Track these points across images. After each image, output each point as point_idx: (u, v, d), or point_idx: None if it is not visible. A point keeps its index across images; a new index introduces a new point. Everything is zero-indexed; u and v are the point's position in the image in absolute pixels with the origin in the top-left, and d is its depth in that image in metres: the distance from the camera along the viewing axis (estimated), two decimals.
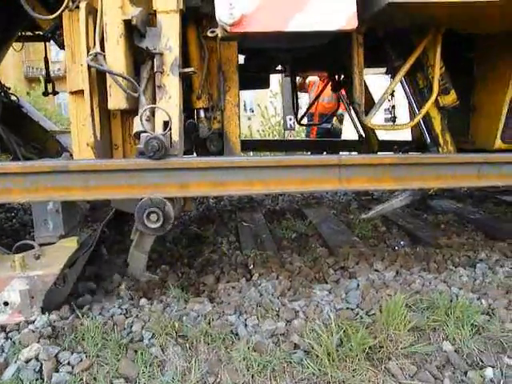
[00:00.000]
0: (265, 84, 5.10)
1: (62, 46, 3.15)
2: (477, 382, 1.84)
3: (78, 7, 2.41)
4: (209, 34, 2.32)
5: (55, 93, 4.27)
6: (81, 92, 2.47)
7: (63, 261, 2.56)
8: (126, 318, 2.28)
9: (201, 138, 2.83)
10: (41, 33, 4.12)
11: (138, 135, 2.28)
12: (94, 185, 2.20)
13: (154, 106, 2.15)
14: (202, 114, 2.76)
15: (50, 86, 4.24)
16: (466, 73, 3.62)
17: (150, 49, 2.25)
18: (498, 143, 3.42)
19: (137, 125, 2.28)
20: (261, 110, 12.31)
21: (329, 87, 6.11)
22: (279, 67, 5.10)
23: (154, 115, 2.29)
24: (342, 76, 4.58)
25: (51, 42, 3.90)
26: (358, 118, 2.90)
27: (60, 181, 2.19)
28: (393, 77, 3.95)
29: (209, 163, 2.29)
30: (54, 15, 2.36)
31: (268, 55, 4.24)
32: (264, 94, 11.91)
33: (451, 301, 2.36)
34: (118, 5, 2.23)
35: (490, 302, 2.42)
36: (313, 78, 7.12)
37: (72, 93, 2.53)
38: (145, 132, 2.15)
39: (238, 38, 2.30)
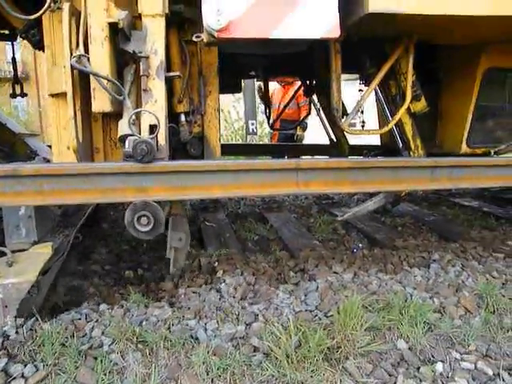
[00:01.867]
0: (236, 89, 5.15)
1: (36, 46, 3.09)
2: (428, 377, 1.95)
3: (59, 8, 2.38)
4: (194, 39, 2.34)
5: (23, 95, 4.14)
6: (62, 94, 2.43)
7: (38, 268, 2.50)
8: (87, 322, 2.26)
9: (181, 143, 2.83)
10: (5, 32, 4.01)
11: (122, 139, 2.27)
12: (75, 188, 2.16)
13: (143, 109, 2.15)
14: (182, 118, 2.76)
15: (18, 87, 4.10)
16: (433, 80, 3.80)
17: (135, 52, 2.24)
18: (464, 148, 3.61)
19: (122, 128, 2.27)
20: (224, 114, 12.33)
21: (290, 94, 6.23)
22: (251, 72, 5.15)
23: (138, 119, 2.28)
24: (314, 81, 4.68)
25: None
26: (336, 123, 2.97)
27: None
28: (365, 84, 4.11)
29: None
30: (34, 15, 2.31)
31: (241, 60, 4.29)
32: (227, 98, 11.93)
33: (406, 300, 2.49)
34: (103, 7, 2.21)
35: (442, 300, 2.57)
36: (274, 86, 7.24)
37: (52, 95, 2.48)
38: (132, 135, 2.14)
39: (223, 44, 2.32)
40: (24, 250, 2.77)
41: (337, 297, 2.55)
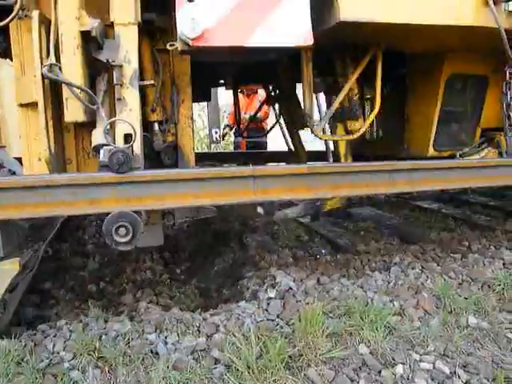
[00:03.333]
0: (206, 97, 5.15)
1: (2, 55, 3.00)
2: (389, 380, 1.99)
3: (27, 16, 2.33)
4: (168, 47, 2.33)
5: None
6: (32, 104, 2.37)
7: (3, 286, 2.42)
8: (45, 337, 2.20)
9: (154, 152, 2.80)
10: None
11: (96, 148, 2.23)
12: (50, 201, 2.10)
13: (119, 118, 2.12)
14: (156, 127, 2.73)
15: None
16: (400, 86, 3.91)
17: (109, 61, 2.21)
18: (431, 151, 3.73)
19: (96, 138, 2.23)
20: None
21: (255, 102, 6.26)
22: (221, 81, 5.17)
23: (112, 128, 2.25)
24: (277, 90, 4.74)
25: None
26: (310, 130, 3.02)
27: None
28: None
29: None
30: (1, 23, 2.24)
31: (212, 69, 4.30)
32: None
33: (367, 305, 2.54)
34: (74, 15, 2.17)
35: (402, 303, 2.63)
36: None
37: (22, 105, 2.41)
38: (106, 145, 2.10)
39: (197, 52, 2.32)
40: None
41: (299, 304, 2.56)
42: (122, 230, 1.95)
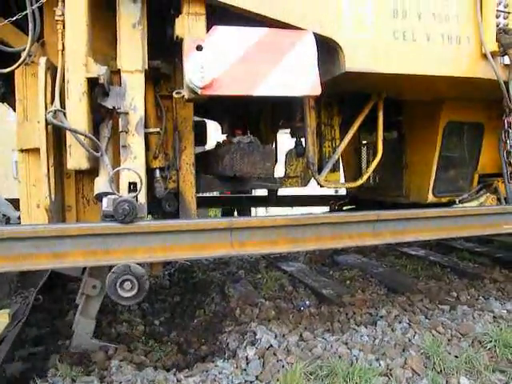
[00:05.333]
0: (202, 142, 5.13)
1: (0, 99, 2.98)
2: None
3: (33, 62, 2.31)
4: (174, 95, 2.31)
5: None
6: (33, 150, 2.32)
7: None
8: None
9: (156, 199, 2.74)
10: None
11: (99, 197, 2.17)
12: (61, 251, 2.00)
13: (126, 167, 2.06)
14: (157, 173, 2.68)
15: None
16: (398, 133, 3.96)
17: (115, 108, 2.18)
18: (430, 197, 3.73)
19: (99, 186, 2.17)
20: None
21: None
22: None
23: (116, 176, 2.19)
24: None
25: None
26: (313, 177, 3.00)
27: None
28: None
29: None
30: (9, 69, 2.22)
31: (209, 113, 4.32)
32: None
33: (351, 364, 2.42)
34: (81, 62, 2.15)
35: (388, 362, 2.52)
36: None
37: (23, 151, 2.35)
38: (111, 194, 2.04)
39: (204, 100, 2.31)
40: None
41: (279, 364, 2.44)
42: (127, 284, 1.86)
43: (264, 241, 2.35)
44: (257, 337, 2.77)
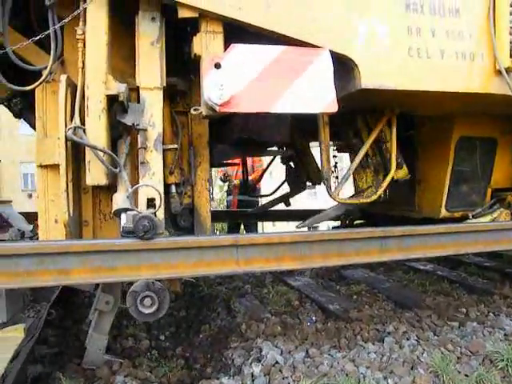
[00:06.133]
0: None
1: (17, 115, 3.02)
2: None
3: (53, 79, 2.35)
4: (192, 112, 2.34)
5: None
6: (52, 166, 2.35)
7: (7, 356, 2.28)
8: None
9: (171, 214, 2.76)
10: None
11: (117, 213, 2.18)
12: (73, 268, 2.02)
13: (145, 184, 2.08)
14: (173, 189, 2.70)
15: None
16: (410, 148, 3.95)
17: (134, 124, 2.21)
18: (443, 212, 3.71)
19: (117, 202, 2.19)
20: None
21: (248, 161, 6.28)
22: None
23: (135, 192, 2.21)
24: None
25: None
26: (328, 192, 3.00)
27: None
28: (338, 150, 4.26)
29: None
30: (31, 87, 2.26)
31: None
32: None
33: (359, 382, 2.38)
34: (101, 80, 2.19)
35: (396, 380, 2.46)
36: None
37: (42, 166, 2.38)
38: (130, 210, 2.05)
39: (220, 117, 2.33)
40: None
41: (285, 381, 2.41)
42: (148, 301, 1.86)
43: (270, 258, 2.35)
44: (263, 353, 2.74)
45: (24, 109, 2.99)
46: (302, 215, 5.88)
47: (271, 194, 5.35)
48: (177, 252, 2.14)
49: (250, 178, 6.28)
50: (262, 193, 6.80)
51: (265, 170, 5.72)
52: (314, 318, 3.57)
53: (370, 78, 2.48)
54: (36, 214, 4.29)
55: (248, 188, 6.29)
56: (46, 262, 1.98)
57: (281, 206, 6.98)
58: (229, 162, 5.55)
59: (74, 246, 2.04)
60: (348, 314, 3.57)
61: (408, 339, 2.97)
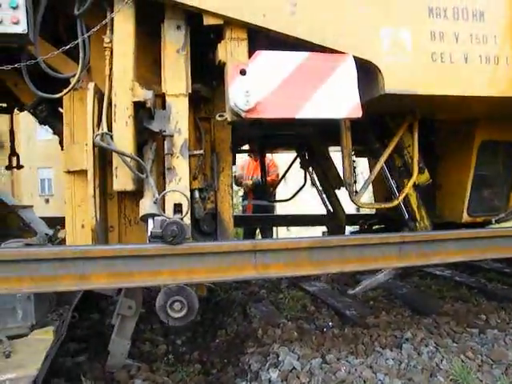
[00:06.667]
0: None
1: (42, 121, 3.07)
2: None
3: (80, 87, 2.39)
4: (218, 118, 2.36)
5: (20, 167, 4.06)
6: (79, 172, 2.39)
7: (40, 358, 2.28)
8: None
9: (194, 219, 2.77)
10: (3, 105, 3.99)
11: (144, 218, 2.21)
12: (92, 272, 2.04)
13: (173, 189, 2.10)
14: (196, 194, 2.72)
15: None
16: (430, 153, 3.93)
17: (161, 131, 2.24)
18: (465, 217, 3.67)
19: (144, 207, 2.21)
20: None
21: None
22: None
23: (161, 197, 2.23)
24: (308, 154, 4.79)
25: None
26: (350, 198, 3.00)
27: None
28: (369, 156, 4.25)
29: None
30: (58, 95, 2.31)
31: (239, 134, 4.36)
32: None
33: None
34: (128, 87, 2.22)
35: None
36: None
37: (69, 172, 2.42)
38: (157, 215, 2.08)
39: (246, 123, 2.36)
40: (21, 336, 2.57)
41: None
42: (177, 305, 1.88)
43: (288, 263, 2.34)
44: (279, 359, 2.73)
45: (48, 116, 3.04)
46: (315, 220, 5.89)
47: (289, 200, 5.35)
48: (196, 257, 2.15)
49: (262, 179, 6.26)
50: (277, 198, 6.82)
51: (283, 175, 5.70)
52: (330, 323, 3.56)
53: (393, 83, 2.48)
54: (55, 218, 4.37)
55: (265, 193, 6.30)
56: (66, 267, 2.02)
57: (295, 211, 7.01)
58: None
59: (94, 251, 2.07)
60: (365, 319, 3.54)
61: (426, 346, 2.93)
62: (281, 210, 8.34)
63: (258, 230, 7.32)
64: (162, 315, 1.91)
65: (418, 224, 3.45)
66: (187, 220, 2.16)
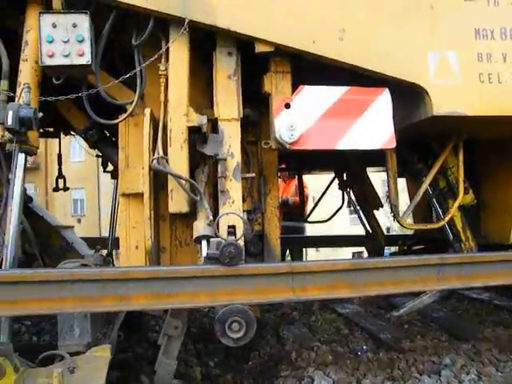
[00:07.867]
0: None
1: (93, 146, 3.19)
2: None
3: (136, 113, 2.49)
4: (263, 146, 2.44)
5: (66, 189, 4.19)
6: (134, 195, 2.46)
7: (102, 374, 2.33)
8: None
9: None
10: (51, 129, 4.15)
11: (198, 239, 2.26)
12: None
13: (228, 211, 2.16)
14: (245, 216, 2.76)
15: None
16: (472, 173, 3.88)
17: (214, 155, 2.30)
18: None
19: (198, 229, 2.26)
20: None
21: (292, 187, 6.27)
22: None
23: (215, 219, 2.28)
24: (347, 175, 4.80)
25: None
26: (394, 218, 2.99)
27: None
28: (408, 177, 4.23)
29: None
30: (116, 121, 2.41)
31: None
32: None
33: None
34: (183, 112, 2.30)
35: None
36: None
37: (124, 195, 2.50)
38: (211, 237, 2.13)
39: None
40: (78, 353, 2.63)
41: None
42: (235, 326, 1.90)
43: (324, 285, 2.33)
44: (314, 382, 2.69)
45: (99, 140, 3.16)
46: (345, 241, 5.84)
47: (327, 221, 5.33)
48: (235, 279, 2.14)
49: (292, 199, 6.24)
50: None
51: (321, 197, 5.68)
52: (364, 347, 3.47)
53: (441, 105, 2.50)
54: (92, 238, 4.49)
55: (297, 213, 6.28)
56: (108, 288, 2.07)
57: (325, 232, 6.93)
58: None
59: (134, 273, 2.11)
60: (400, 343, 3.43)
61: (468, 374, 2.80)
62: (310, 231, 8.29)
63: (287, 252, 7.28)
64: (221, 336, 1.93)
65: (463, 245, 3.40)
66: (241, 242, 2.20)
